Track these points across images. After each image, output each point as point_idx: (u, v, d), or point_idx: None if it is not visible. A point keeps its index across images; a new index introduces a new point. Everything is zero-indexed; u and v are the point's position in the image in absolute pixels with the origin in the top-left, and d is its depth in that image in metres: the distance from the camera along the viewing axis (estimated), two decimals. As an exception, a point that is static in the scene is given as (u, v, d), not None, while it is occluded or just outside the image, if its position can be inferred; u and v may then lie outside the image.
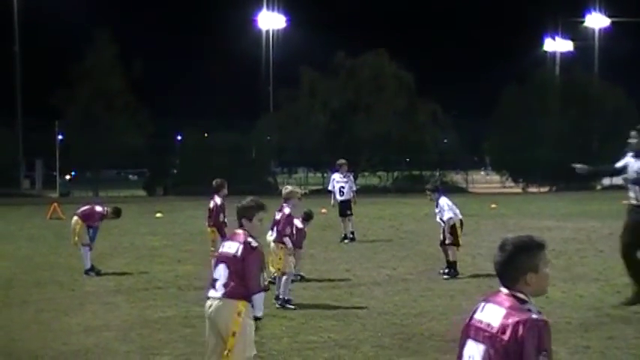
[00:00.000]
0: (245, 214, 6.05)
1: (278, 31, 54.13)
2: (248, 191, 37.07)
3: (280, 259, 10.46)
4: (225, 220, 12.69)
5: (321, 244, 17.44)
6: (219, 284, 5.88)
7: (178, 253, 16.44)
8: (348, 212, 18.37)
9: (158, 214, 26.81)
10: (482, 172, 60.47)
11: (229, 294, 5.80)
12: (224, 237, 12.49)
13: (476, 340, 3.66)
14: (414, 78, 47.81)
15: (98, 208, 13.78)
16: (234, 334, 5.75)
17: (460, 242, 13.13)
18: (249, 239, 5.91)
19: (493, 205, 30.05)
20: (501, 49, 69.22)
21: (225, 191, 12.87)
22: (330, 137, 46.08)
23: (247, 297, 5.84)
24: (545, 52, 60.30)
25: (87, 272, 13.31)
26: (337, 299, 10.90)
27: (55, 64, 48.29)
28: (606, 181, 51.15)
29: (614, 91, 49.47)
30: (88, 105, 44.54)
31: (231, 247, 5.94)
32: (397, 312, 10.01)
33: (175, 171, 49.50)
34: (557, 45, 59.72)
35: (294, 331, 8.90)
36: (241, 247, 5.86)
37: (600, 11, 58.97)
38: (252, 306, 5.86)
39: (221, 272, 5.90)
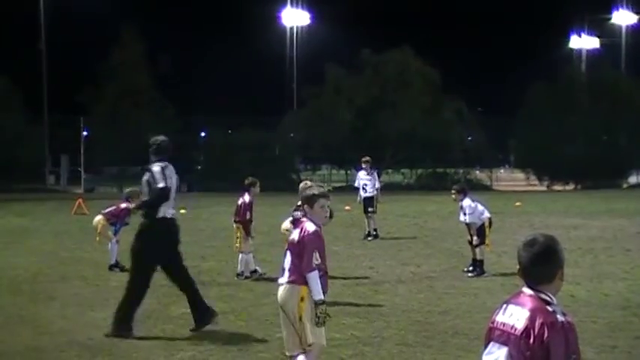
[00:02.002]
0: (307, 202, 6.25)
1: (302, 27, 54.19)
2: (272, 188, 37.36)
3: None
4: (251, 217, 12.76)
5: (345, 241, 17.42)
6: (285, 270, 6.17)
7: (202, 249, 16.48)
8: (370, 209, 18.33)
9: (182, 211, 26.84)
10: (501, 171, 60.00)
11: (292, 278, 6.06)
12: (248, 234, 12.60)
13: (499, 342, 3.58)
14: (440, 75, 47.59)
15: (123, 205, 13.86)
16: (300, 318, 5.99)
17: (488, 242, 13.03)
18: (307, 224, 6.13)
19: (518, 203, 29.84)
20: (527, 45, 68.62)
21: (257, 190, 12.90)
22: (355, 134, 45.98)
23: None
24: (572, 49, 59.80)
25: (111, 267, 13.40)
26: (361, 296, 10.87)
27: (82, 61, 48.68)
28: (633, 179, 50.77)
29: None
30: (114, 102, 44.86)
31: (294, 234, 6.21)
32: (421, 309, 9.96)
33: (199, 167, 49.70)
34: (583, 42, 59.18)
35: (317, 328, 8.88)
36: (300, 232, 6.12)
37: (627, 8, 58.38)
38: (309, 288, 5.99)
39: (287, 258, 6.19)
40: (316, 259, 5.99)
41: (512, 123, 49.66)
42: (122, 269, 13.38)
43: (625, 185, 49.09)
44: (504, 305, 3.65)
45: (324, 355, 7.70)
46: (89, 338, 8.54)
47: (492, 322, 3.66)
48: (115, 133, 44.40)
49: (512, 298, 3.64)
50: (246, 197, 12.70)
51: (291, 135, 49.01)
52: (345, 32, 54.80)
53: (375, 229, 18.39)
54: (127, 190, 14.61)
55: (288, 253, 6.18)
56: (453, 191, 13.48)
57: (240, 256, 12.59)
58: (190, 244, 17.46)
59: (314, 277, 5.96)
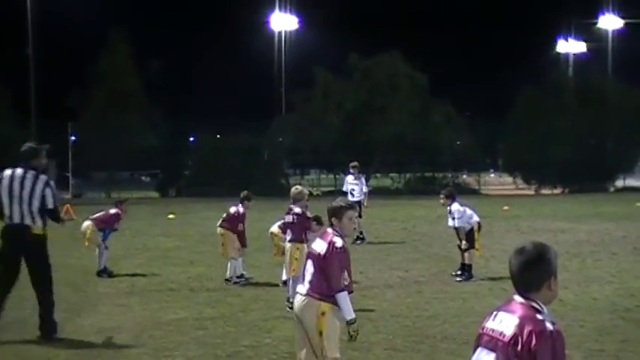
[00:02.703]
0: (335, 214, 6.18)
1: (291, 32, 54.20)
2: (261, 193, 37.16)
3: (296, 259, 10.36)
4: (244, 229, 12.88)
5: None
6: (306, 280, 6.07)
7: (191, 254, 16.46)
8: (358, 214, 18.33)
9: (170, 216, 26.86)
10: (491, 175, 60.23)
11: (313, 292, 5.96)
12: (245, 245, 12.70)
13: (487, 348, 3.61)
14: (428, 79, 47.72)
15: (112, 211, 13.87)
16: (321, 333, 5.88)
17: (477, 246, 13.06)
18: (335, 239, 6.04)
19: (505, 207, 29.93)
20: (515, 50, 68.94)
21: (251, 204, 13.00)
22: (344, 138, 46.03)
23: (331, 297, 5.94)
24: (559, 53, 60.09)
25: (99, 273, 13.38)
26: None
27: (70, 65, 48.57)
28: (620, 183, 51.05)
29: (630, 93, 49.21)
30: (102, 106, 44.75)
31: (319, 246, 6.09)
32: (410, 314, 9.98)
33: (188, 172, 49.63)
34: (570, 46, 59.47)
35: (306, 333, 8.89)
36: (327, 246, 6.01)
37: (614, 12, 58.66)
38: (339, 308, 5.90)
39: (308, 269, 6.08)
40: (345, 279, 5.89)
41: (499, 127, 49.86)
42: (110, 275, 13.37)
43: (612, 189, 49.35)
44: (494, 312, 3.67)
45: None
46: (76, 344, 8.51)
47: (482, 329, 3.68)
48: (103, 138, 44.32)
49: (503, 305, 3.66)
50: (241, 208, 12.78)
51: (280, 139, 49.00)
52: (334, 37, 54.92)
53: (361, 232, 18.41)
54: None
55: (311, 264, 6.05)
56: (441, 196, 13.52)
57: (230, 261, 12.62)
58: (179, 249, 17.52)
59: (344, 297, 5.88)
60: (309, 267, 6.07)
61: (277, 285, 12.10)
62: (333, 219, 6.20)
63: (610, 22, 58.92)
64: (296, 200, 10.90)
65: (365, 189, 19.03)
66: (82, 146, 46.67)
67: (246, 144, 45.02)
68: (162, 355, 8.03)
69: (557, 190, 49.06)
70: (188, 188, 44.89)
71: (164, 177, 49.78)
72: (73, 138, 46.86)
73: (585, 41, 59.84)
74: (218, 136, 48.60)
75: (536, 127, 47.24)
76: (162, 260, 15.62)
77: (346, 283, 5.91)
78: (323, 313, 5.88)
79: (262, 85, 57.86)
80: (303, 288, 6.07)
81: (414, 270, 13.95)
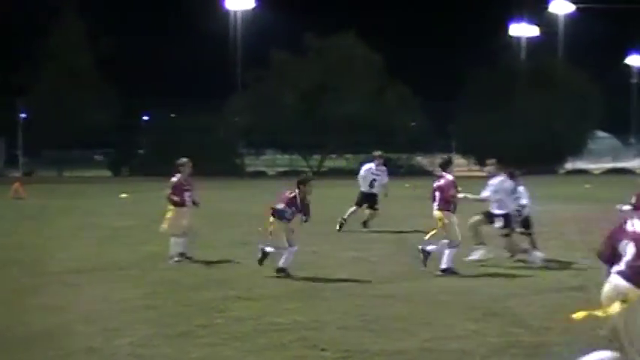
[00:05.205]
0: None
1: (246, 11, 53.79)
2: (215, 172, 36.55)
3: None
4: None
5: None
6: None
7: (143, 233, 16.29)
8: (375, 207, 17.65)
9: (123, 195, 26.58)
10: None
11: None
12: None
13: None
14: (383, 60, 47.79)
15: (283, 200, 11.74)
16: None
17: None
18: None
19: (458, 189, 30.18)
20: (468, 33, 69.25)
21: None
22: (299, 118, 45.98)
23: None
24: (511, 37, 60.72)
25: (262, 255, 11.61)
26: (303, 280, 10.90)
27: (20, 41, 47.42)
28: (569, 165, 51.98)
29: (580, 76, 50.00)
30: (53, 83, 43.98)
31: None
32: (363, 294, 10.03)
33: (142, 151, 49.14)
34: (522, 30, 60.12)
35: (258, 312, 8.89)
36: None
37: (564, -3, 59.53)
38: None
39: (630, 251, 5.52)
40: None
41: (454, 109, 50.29)
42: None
43: (562, 171, 50.22)
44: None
45: (265, 339, 7.71)
46: (25, 324, 8.38)
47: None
48: (54, 115, 43.60)
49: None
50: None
51: (236, 119, 48.73)
52: (290, 16, 54.52)
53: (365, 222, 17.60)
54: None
55: (632, 246, 5.47)
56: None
57: (172, 239, 12.62)
58: (131, 228, 17.34)
59: None
60: (632, 249, 5.51)
61: (239, 262, 12.36)
62: None
63: (561, 6, 59.71)
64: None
65: (385, 180, 18.12)
66: (32, 123, 45.85)
67: (201, 123, 44.71)
68: (111, 335, 7.95)
69: (509, 172, 49.72)
70: (142, 167, 44.48)
71: (117, 156, 49.21)
72: (23, 115, 46.02)
73: (538, 25, 60.57)
74: (173, 115, 48.18)
75: (487, 110, 47.77)
76: (114, 239, 15.46)
77: None
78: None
79: (218, 64, 57.35)
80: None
81: (368, 250, 14.02)
